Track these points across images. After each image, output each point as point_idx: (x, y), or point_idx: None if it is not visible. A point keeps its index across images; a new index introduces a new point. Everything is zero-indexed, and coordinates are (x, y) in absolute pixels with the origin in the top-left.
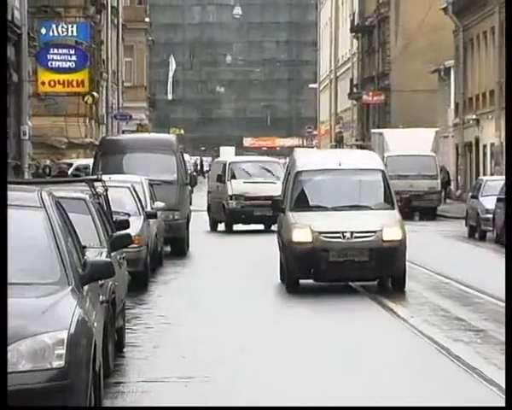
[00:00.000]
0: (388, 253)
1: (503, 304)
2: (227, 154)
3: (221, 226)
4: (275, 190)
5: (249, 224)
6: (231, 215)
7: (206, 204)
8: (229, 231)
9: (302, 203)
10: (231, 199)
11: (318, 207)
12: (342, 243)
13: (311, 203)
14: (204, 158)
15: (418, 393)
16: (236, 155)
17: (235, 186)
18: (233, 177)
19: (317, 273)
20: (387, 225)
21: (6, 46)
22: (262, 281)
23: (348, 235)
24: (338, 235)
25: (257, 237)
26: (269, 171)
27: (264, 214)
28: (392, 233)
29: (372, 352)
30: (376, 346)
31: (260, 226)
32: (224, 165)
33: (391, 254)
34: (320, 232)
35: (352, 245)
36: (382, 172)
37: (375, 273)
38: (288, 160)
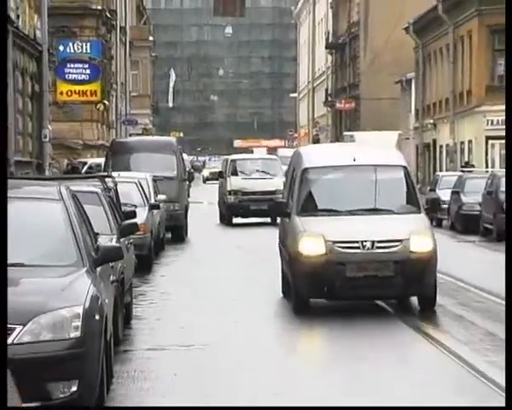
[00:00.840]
0: (417, 266)
1: (451, 279)
2: (260, 153)
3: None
4: (271, 185)
5: (246, 217)
6: (229, 209)
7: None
8: (228, 223)
9: (311, 207)
10: (230, 194)
11: (331, 212)
12: (362, 255)
13: (322, 207)
14: (200, 157)
15: None
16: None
17: (234, 182)
18: (233, 173)
19: (331, 292)
20: (415, 232)
21: (6, 46)
22: (253, 257)
23: (369, 245)
24: (357, 245)
25: (248, 227)
26: (266, 167)
27: (260, 208)
28: (421, 243)
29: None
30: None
31: (257, 220)
32: (227, 162)
33: (420, 267)
34: (335, 242)
35: (374, 257)
36: (405, 168)
37: (401, 291)
38: (292, 155)
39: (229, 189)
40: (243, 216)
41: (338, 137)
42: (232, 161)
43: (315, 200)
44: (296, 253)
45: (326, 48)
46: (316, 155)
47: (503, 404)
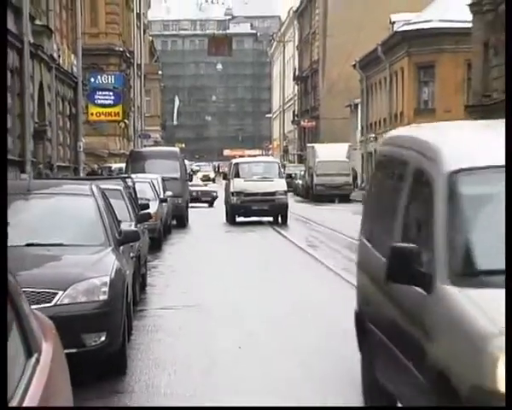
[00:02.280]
0: None
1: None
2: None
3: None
4: (271, 186)
5: (248, 217)
6: (233, 209)
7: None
8: (231, 222)
9: (483, 262)
10: (233, 195)
11: None
12: None
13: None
14: (199, 163)
15: None
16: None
17: (237, 184)
18: (236, 175)
19: None
20: None
21: (6, 51)
22: (240, 239)
23: None
24: None
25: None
26: (267, 170)
27: (261, 208)
28: None
29: None
30: None
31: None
32: (231, 165)
33: None
34: None
35: None
36: None
37: None
38: (381, 145)
39: (232, 190)
40: (245, 215)
41: (302, 148)
42: (235, 164)
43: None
44: (482, 389)
45: (293, 80)
46: (462, 146)
47: None
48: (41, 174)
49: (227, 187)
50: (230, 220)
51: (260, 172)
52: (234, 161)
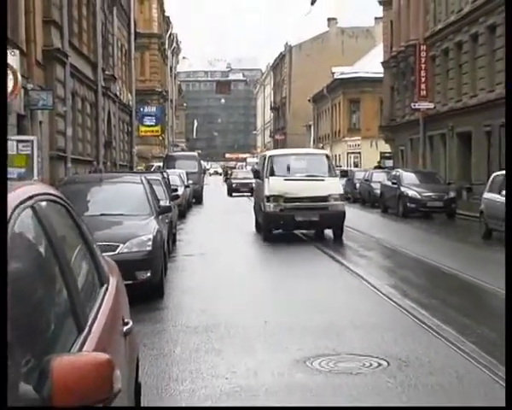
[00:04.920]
0: None
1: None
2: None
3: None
4: (323, 188)
5: (290, 230)
6: (268, 219)
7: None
8: (266, 237)
9: None
10: (268, 200)
11: None
12: None
13: None
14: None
15: None
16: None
17: (274, 185)
18: (272, 173)
19: None
20: None
21: (6, 52)
22: (243, 211)
23: None
24: None
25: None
26: (314, 165)
27: (309, 219)
28: None
29: None
30: None
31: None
32: (264, 159)
33: None
34: None
35: None
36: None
37: None
38: None
39: (267, 193)
40: (286, 228)
41: None
42: (270, 157)
43: None
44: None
45: (270, 109)
46: None
47: None
48: (96, 170)
49: (258, 189)
50: (264, 234)
51: (305, 169)
52: (268, 153)
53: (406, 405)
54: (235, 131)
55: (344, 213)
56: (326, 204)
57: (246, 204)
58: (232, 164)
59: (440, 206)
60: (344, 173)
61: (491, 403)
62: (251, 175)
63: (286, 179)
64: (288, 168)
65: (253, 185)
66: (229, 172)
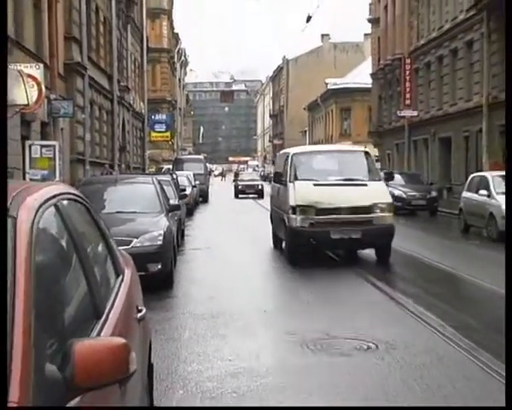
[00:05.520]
0: None
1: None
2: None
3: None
4: (365, 196)
5: (324, 250)
6: (295, 238)
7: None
8: (292, 260)
9: None
10: (295, 213)
11: None
12: None
13: None
14: (214, 165)
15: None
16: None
17: (301, 192)
18: (297, 177)
19: None
20: None
21: (6, 52)
22: (245, 208)
23: None
24: None
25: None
26: (351, 165)
27: (349, 237)
28: None
29: None
30: None
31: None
32: (287, 158)
33: None
34: None
35: None
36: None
37: None
38: None
39: (292, 203)
40: (319, 249)
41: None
42: (293, 156)
43: None
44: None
45: (269, 116)
46: None
47: None
48: (106, 172)
49: (278, 195)
50: (290, 257)
51: (339, 170)
52: (291, 151)
53: (394, 384)
54: (237, 136)
55: (393, 227)
56: (370, 217)
57: (251, 204)
58: (235, 166)
59: (424, 204)
60: (389, 176)
61: (467, 378)
62: (257, 177)
63: (316, 185)
64: (319, 170)
65: (260, 186)
66: (238, 174)
